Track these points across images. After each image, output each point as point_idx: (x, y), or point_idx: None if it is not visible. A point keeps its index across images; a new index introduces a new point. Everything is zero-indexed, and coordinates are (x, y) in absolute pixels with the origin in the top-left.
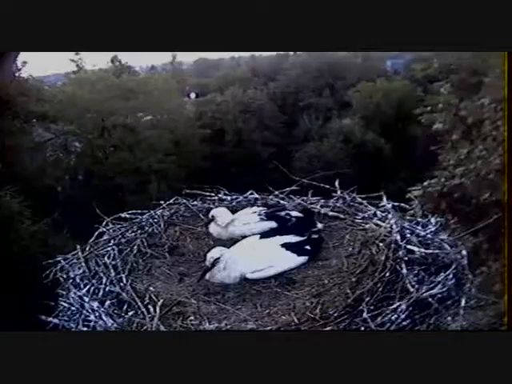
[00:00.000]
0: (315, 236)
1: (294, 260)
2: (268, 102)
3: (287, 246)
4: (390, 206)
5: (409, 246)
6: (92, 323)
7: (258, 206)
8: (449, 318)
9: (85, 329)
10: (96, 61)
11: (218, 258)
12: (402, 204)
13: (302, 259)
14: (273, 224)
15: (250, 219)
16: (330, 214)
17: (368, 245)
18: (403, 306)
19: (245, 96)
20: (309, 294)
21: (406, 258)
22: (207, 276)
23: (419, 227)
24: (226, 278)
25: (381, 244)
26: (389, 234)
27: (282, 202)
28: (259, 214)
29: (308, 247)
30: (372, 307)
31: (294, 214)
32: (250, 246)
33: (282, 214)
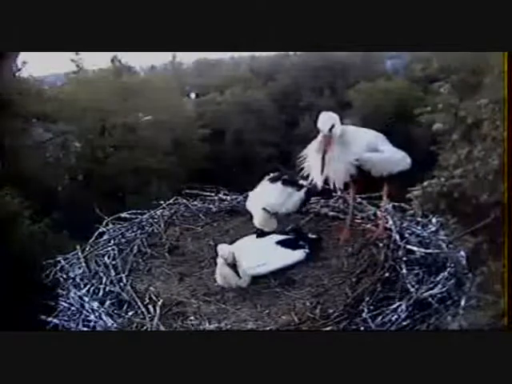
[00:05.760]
0: (313, 236)
1: (289, 256)
2: (268, 102)
3: (282, 243)
4: (390, 206)
5: (408, 246)
6: (92, 323)
7: None
8: (449, 318)
9: (85, 329)
10: (96, 61)
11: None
12: (402, 204)
13: (298, 254)
14: None
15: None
16: (330, 214)
17: (368, 245)
18: (403, 306)
19: (245, 96)
20: (309, 294)
21: (406, 258)
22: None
23: (419, 227)
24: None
25: (380, 244)
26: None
27: None
28: None
29: (302, 243)
30: (372, 307)
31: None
32: (246, 245)
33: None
